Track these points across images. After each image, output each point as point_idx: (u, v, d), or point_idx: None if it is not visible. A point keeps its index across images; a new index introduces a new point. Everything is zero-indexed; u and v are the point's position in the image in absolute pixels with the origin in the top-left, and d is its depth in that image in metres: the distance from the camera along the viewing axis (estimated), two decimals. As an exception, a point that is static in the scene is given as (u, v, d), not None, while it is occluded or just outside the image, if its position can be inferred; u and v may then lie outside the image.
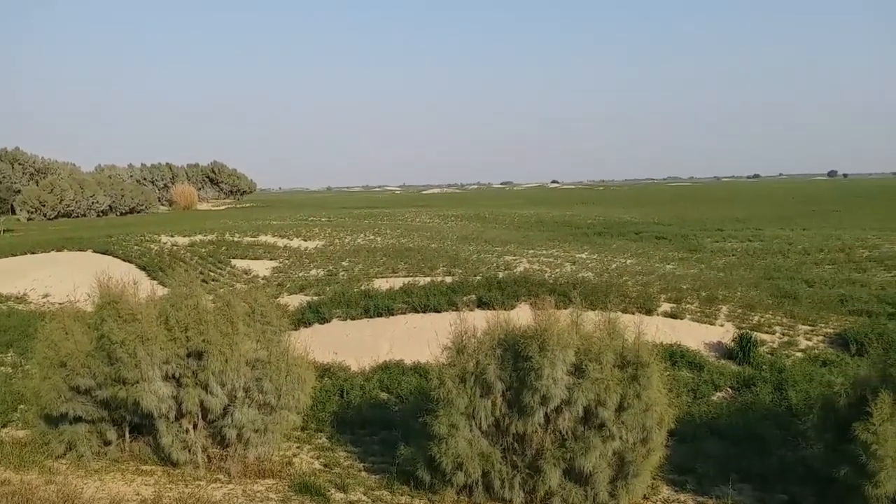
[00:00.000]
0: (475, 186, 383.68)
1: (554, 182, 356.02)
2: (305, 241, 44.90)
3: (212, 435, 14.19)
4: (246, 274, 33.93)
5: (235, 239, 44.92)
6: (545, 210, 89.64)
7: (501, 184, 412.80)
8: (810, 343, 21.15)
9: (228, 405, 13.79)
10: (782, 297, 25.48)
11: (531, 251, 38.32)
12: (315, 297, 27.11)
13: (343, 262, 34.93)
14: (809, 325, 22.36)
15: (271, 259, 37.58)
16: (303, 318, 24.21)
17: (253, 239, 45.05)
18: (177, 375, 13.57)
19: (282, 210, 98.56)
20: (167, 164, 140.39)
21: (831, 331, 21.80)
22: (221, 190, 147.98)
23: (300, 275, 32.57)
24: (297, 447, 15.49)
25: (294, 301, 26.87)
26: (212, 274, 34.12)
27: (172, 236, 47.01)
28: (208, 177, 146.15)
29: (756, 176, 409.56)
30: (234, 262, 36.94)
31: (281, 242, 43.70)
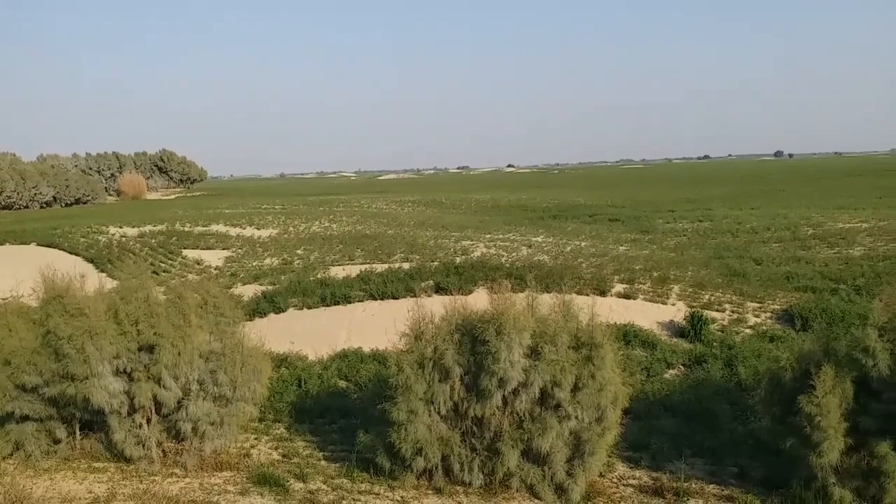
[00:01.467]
0: (432, 171, 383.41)
1: (510, 166, 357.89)
2: (259, 229, 44.26)
3: (166, 429, 13.93)
4: (198, 264, 33.31)
5: (186, 229, 44.00)
6: (501, 194, 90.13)
7: (458, 168, 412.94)
8: (758, 320, 21.81)
9: (183, 399, 13.54)
10: (732, 276, 26.20)
11: (488, 236, 38.53)
12: (270, 287, 26.79)
13: (298, 251, 34.56)
14: (758, 303, 23.05)
15: (224, 249, 36.96)
16: (258, 309, 23.90)
17: (204, 228, 44.20)
18: (128, 370, 13.25)
19: (234, 198, 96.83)
20: (114, 153, 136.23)
21: (778, 307, 22.51)
22: (171, 179, 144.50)
23: (254, 264, 32.13)
24: (255, 438, 15.33)
25: (248, 291, 26.51)
26: (163, 265, 33.39)
27: (121, 227, 45.77)
28: (157, 165, 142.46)
29: (706, 157, 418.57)
30: (185, 252, 36.20)
31: (234, 231, 42.99)
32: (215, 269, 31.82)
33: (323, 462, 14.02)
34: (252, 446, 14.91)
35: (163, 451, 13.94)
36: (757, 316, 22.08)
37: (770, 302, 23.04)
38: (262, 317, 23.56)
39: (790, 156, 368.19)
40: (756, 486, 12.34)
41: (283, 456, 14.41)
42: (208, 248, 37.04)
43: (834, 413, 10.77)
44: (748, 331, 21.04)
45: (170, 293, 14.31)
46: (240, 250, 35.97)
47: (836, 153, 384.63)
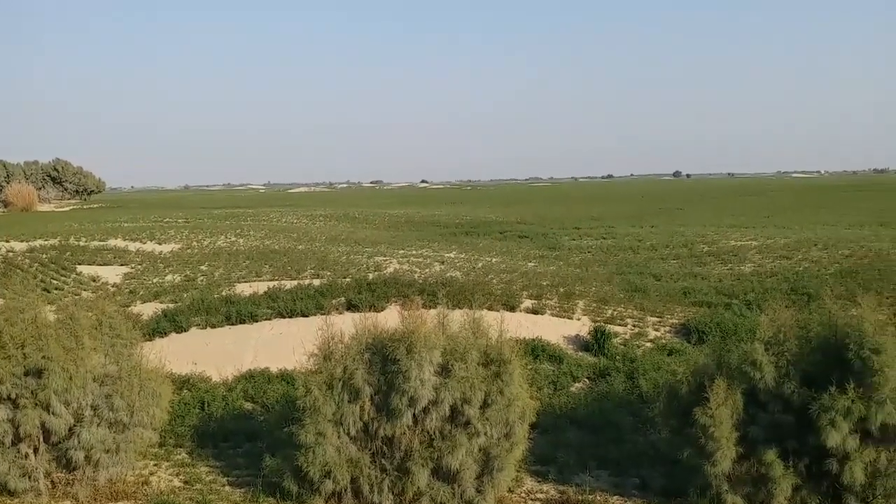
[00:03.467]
0: (345, 185, 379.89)
1: (423, 182, 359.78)
2: (160, 244, 42.48)
3: (56, 458, 13.08)
4: (93, 281, 31.57)
5: (81, 243, 41.65)
6: (415, 210, 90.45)
7: (371, 183, 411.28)
8: (658, 333, 22.80)
9: (74, 425, 12.78)
10: (633, 291, 27.28)
11: (401, 251, 38.53)
12: (171, 305, 25.70)
13: (202, 267, 33.37)
14: (657, 317, 24.10)
15: (122, 264, 35.20)
16: (158, 328, 22.88)
17: (101, 243, 41.99)
18: (13, 396, 12.37)
19: (134, 211, 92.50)
20: (0, 161, 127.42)
21: (676, 321, 23.62)
22: (66, 190, 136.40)
23: (154, 281, 30.76)
24: (155, 465, 14.63)
25: (148, 309, 25.34)
26: (54, 282, 31.44)
27: (7, 241, 42.75)
28: (50, 175, 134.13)
29: (609, 176, 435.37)
30: (79, 268, 34.23)
31: (133, 246, 41.07)
32: (112, 287, 30.24)
33: (227, 488, 13.54)
34: (151, 473, 14.23)
35: (52, 481, 13.08)
36: (657, 330, 23.07)
37: (669, 316, 24.13)
38: (162, 337, 22.57)
39: (688, 176, 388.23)
40: (657, 496, 12.86)
41: (185, 483, 13.83)
42: (105, 264, 35.18)
43: (726, 424, 11.38)
44: (649, 344, 21.95)
45: (61, 313, 13.55)
46: (139, 266, 34.36)
47: (729, 174, 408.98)
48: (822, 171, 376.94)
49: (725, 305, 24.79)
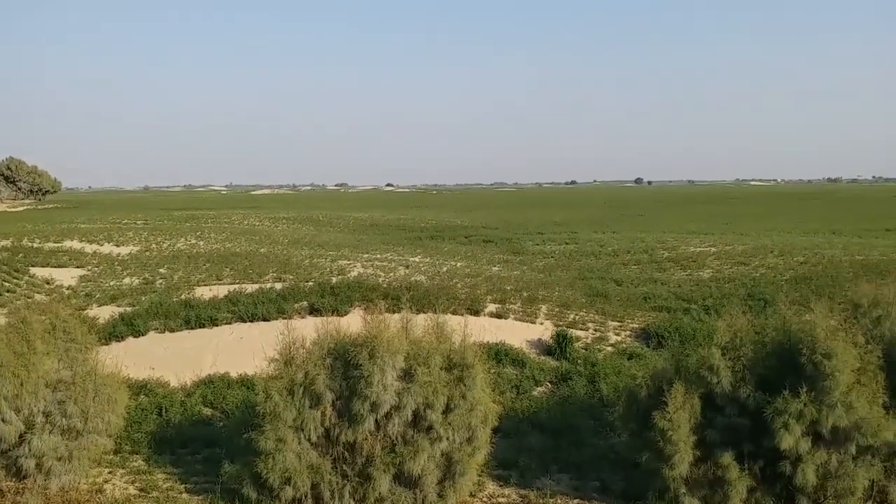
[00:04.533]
0: (309, 188, 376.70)
1: (389, 185, 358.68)
2: (118, 246, 41.53)
3: (6, 466, 12.70)
4: (47, 284, 30.69)
5: (35, 245, 40.46)
6: (380, 213, 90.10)
7: (336, 185, 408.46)
8: (619, 338, 23.09)
9: (25, 432, 12.44)
10: (594, 296, 27.59)
11: (365, 255, 38.33)
12: (129, 308, 25.14)
13: (161, 270, 32.72)
14: (618, 322, 24.42)
15: (78, 267, 34.27)
16: (115, 332, 22.35)
17: (56, 244, 40.86)
18: (-41, 403, 11.97)
19: (91, 212, 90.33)
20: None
21: (637, 326, 23.95)
22: (20, 189, 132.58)
23: (112, 284, 30.05)
24: (109, 472, 14.29)
25: (105, 313, 24.74)
26: (6, 285, 30.46)
27: (-44, 242, 41.37)
28: (3, 174, 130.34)
29: (573, 182, 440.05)
30: (33, 270, 33.22)
31: (90, 248, 40.05)
32: (67, 290, 29.44)
33: (185, 495, 13.30)
34: (106, 481, 13.89)
35: (0, 490, 12.66)
36: (617, 334, 23.37)
37: (629, 321, 24.47)
38: (119, 341, 22.06)
39: (649, 183, 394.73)
40: (616, 499, 13.01)
41: (141, 490, 13.54)
42: (60, 266, 34.20)
43: (684, 427, 11.58)
44: (609, 348, 22.21)
45: (12, 316, 13.18)
46: (96, 269, 33.50)
47: (689, 181, 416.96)
48: (779, 180, 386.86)
49: (684, 310, 25.22)
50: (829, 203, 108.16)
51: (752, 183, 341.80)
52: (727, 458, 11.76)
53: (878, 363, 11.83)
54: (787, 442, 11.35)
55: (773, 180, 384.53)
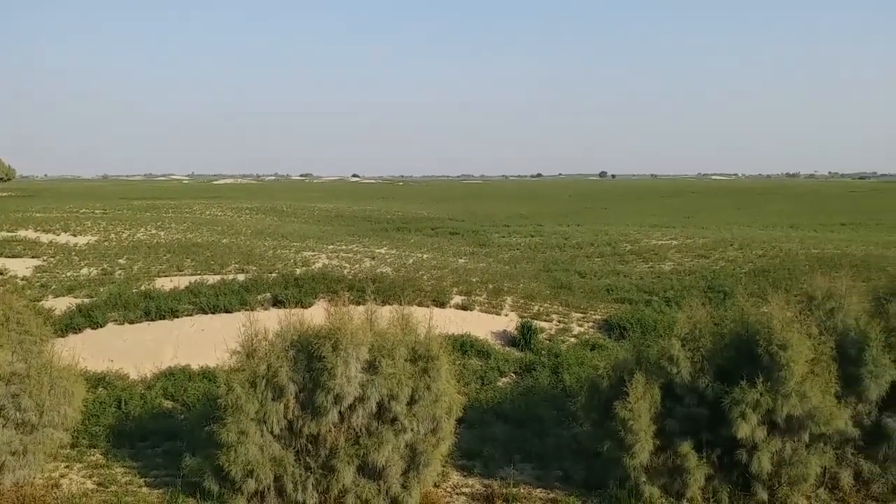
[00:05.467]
0: (273, 178, 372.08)
1: (355, 176, 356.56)
2: (75, 236, 40.54)
3: (-45, 463, 12.32)
4: (0, 274, 29.82)
5: (-12, 234, 39.28)
6: (346, 204, 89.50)
7: (301, 176, 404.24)
8: (582, 329, 23.35)
9: (-24, 427, 12.06)
10: (559, 288, 27.86)
11: (330, 246, 38.07)
12: (87, 300, 24.56)
13: (120, 260, 32.04)
14: (581, 313, 24.68)
15: (33, 257, 33.35)
16: (71, 324, 21.82)
17: (10, 234, 39.72)
18: None
19: (47, 201, 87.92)
20: None
21: (599, 317, 24.25)
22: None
23: (68, 274, 29.32)
24: (66, 467, 13.98)
25: (61, 304, 24.13)
26: (-44, 275, 29.51)
27: None
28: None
29: (539, 175, 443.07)
30: (-15, 260, 32.26)
31: (45, 238, 39.01)
32: (22, 280, 28.62)
33: (144, 489, 13.09)
34: (62, 476, 13.59)
35: (-50, 487, 12.31)
36: (581, 325, 23.63)
37: (592, 312, 24.75)
38: (76, 333, 21.54)
39: (613, 176, 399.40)
40: (578, 488, 13.18)
41: (99, 485, 13.28)
42: (14, 256, 33.23)
43: (644, 417, 11.78)
44: (573, 339, 22.45)
45: (-38, 308, 12.73)
46: (52, 259, 32.62)
47: (652, 175, 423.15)
48: (740, 174, 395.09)
49: (646, 302, 25.61)
50: (788, 198, 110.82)
51: (714, 177, 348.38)
52: (686, 446, 12.01)
53: (830, 354, 12.19)
54: (743, 431, 11.63)
55: (734, 175, 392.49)
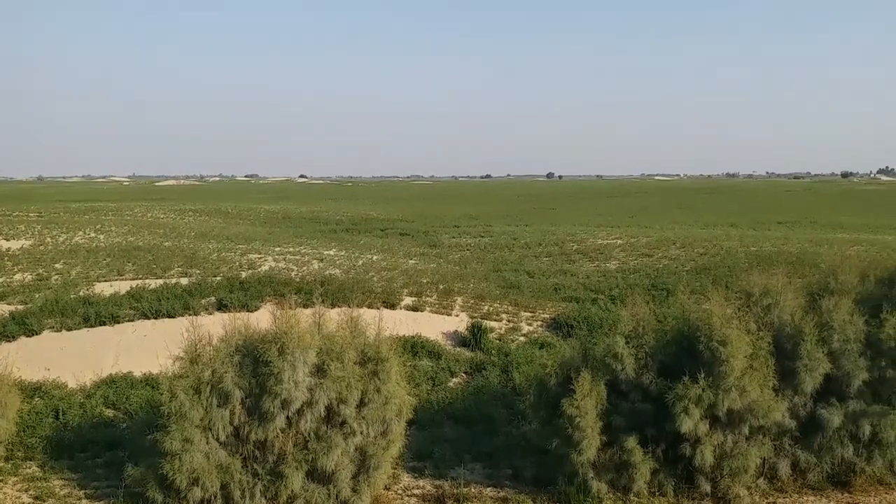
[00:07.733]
0: (217, 178, 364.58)
1: (302, 176, 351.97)
2: (7, 240, 38.90)
3: None
4: (-74, 281, 28.39)
5: (-88, 239, 37.37)
6: (293, 205, 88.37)
7: (246, 176, 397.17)
8: (531, 328, 23.62)
9: None
10: (508, 288, 28.12)
11: (277, 249, 37.49)
12: (21, 306, 23.59)
13: (57, 265, 30.88)
14: (530, 312, 24.97)
15: (-38, 262, 31.88)
16: (4, 331, 20.92)
17: (-64, 239, 37.88)
18: None
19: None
20: None
21: (548, 316, 24.57)
22: None
23: (0, 280, 28.14)
24: (0, 481, 13.41)
25: (-7, 311, 23.12)
26: None
27: None
28: None
29: (488, 176, 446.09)
30: None
31: (-25, 242, 37.34)
32: (-50, 287, 27.34)
33: (84, 501, 12.67)
34: (-6, 491, 13.04)
35: None
36: (530, 324, 23.90)
37: (541, 311, 25.06)
38: (9, 341, 20.67)
39: (560, 177, 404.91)
40: (528, 486, 13.32)
41: (35, 498, 12.80)
42: (-59, 262, 31.74)
43: (591, 414, 11.99)
44: (522, 338, 22.68)
45: None
46: (-17, 264, 31.28)
47: (597, 176, 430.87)
48: (682, 175, 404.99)
49: (592, 300, 26.06)
50: (728, 197, 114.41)
51: (657, 178, 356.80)
52: (632, 441, 12.26)
53: (768, 349, 12.63)
54: (686, 425, 11.95)
55: (677, 175, 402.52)
